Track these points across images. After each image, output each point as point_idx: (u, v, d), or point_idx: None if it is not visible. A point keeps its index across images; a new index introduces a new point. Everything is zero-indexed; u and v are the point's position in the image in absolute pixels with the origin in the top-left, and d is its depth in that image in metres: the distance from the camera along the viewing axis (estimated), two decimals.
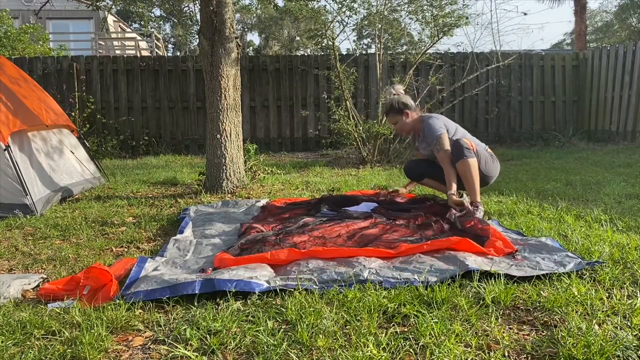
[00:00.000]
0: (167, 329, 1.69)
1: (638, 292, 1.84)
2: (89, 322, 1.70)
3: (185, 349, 1.53)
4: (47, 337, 1.64)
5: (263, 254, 2.29)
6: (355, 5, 6.57)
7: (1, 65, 4.38)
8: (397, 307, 1.77)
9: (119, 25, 24.34)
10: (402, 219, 2.96)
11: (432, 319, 1.65)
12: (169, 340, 1.60)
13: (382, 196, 3.66)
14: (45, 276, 2.27)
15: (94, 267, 2.07)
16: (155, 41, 20.62)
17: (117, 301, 1.87)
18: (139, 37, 21.77)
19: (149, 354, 1.54)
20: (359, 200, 3.50)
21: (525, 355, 1.47)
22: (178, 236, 2.82)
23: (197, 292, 1.91)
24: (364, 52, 10.00)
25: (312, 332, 1.60)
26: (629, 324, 1.61)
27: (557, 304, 1.75)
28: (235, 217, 3.35)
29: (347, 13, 6.61)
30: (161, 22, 33.42)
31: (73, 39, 20.56)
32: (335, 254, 2.31)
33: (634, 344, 1.47)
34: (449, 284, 1.94)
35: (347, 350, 1.49)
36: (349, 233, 2.69)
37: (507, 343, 1.53)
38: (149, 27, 29.09)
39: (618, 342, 1.47)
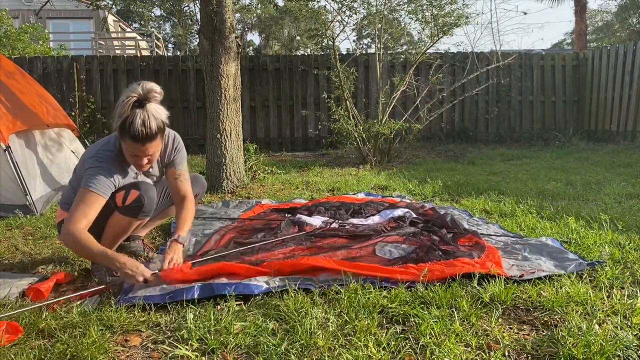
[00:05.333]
0: (167, 329, 1.69)
1: (638, 292, 1.85)
2: (89, 322, 1.70)
3: (185, 349, 1.53)
4: (47, 337, 1.64)
5: (219, 263, 2.17)
6: (355, 5, 6.57)
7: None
8: (397, 307, 1.77)
9: (119, 25, 24.34)
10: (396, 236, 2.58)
11: (432, 319, 1.65)
12: (169, 340, 1.60)
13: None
14: (45, 276, 2.26)
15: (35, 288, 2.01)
16: (155, 41, 20.61)
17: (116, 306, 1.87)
18: (139, 37, 21.78)
19: (149, 354, 1.54)
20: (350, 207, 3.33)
21: (525, 355, 1.47)
22: None
23: (195, 297, 1.89)
24: (364, 52, 10.00)
25: (312, 332, 1.60)
26: (629, 323, 1.61)
27: (557, 303, 1.75)
28: (235, 218, 3.34)
29: (347, 13, 6.60)
30: (161, 22, 33.44)
31: (73, 38, 20.57)
32: (319, 264, 2.13)
33: (634, 344, 1.47)
34: (449, 284, 1.94)
35: (347, 350, 1.49)
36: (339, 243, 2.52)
37: (507, 343, 1.53)
38: (149, 26, 29.10)
39: (618, 342, 1.47)
